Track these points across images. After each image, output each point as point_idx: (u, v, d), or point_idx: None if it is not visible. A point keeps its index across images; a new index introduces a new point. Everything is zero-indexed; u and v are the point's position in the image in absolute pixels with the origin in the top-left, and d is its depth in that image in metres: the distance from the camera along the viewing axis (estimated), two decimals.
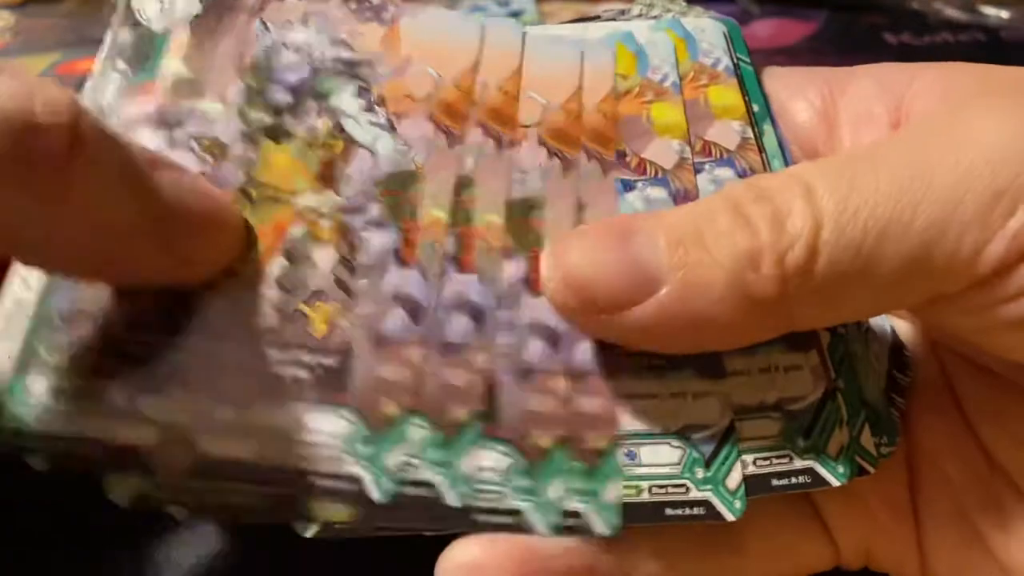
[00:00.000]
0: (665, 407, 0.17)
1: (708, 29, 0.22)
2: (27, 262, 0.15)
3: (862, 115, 0.20)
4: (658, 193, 0.19)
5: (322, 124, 0.19)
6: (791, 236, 0.14)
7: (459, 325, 0.17)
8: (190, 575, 0.23)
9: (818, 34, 0.59)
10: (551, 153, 0.19)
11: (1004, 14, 0.60)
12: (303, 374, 0.16)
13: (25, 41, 0.62)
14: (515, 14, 0.61)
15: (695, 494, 0.17)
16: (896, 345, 0.20)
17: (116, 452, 0.15)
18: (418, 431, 0.16)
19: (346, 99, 0.19)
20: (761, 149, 0.20)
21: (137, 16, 0.19)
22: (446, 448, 0.16)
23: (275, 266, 0.17)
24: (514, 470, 0.16)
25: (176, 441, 0.15)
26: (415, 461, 0.16)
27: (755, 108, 0.20)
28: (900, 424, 0.19)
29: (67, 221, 0.13)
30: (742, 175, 0.19)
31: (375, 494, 0.16)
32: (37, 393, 0.15)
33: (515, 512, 0.16)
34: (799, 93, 0.21)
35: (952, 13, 0.60)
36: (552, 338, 0.17)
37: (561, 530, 0.16)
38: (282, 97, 0.19)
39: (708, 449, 0.17)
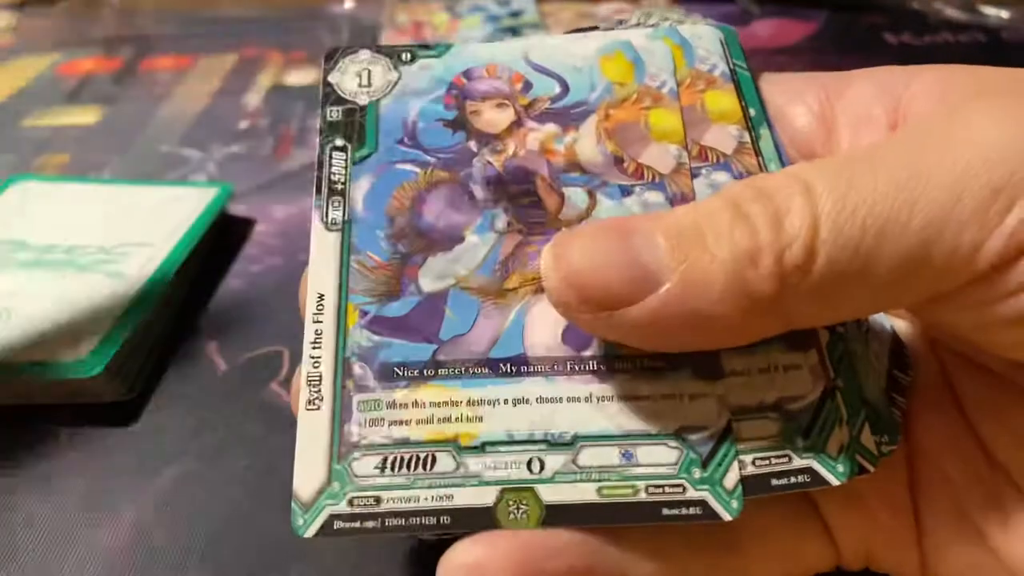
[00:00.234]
0: (662, 408, 0.18)
1: (705, 36, 0.22)
2: None
3: (861, 118, 0.20)
4: (655, 197, 0.20)
5: None
6: (789, 235, 0.15)
7: None
8: None
9: (818, 34, 0.59)
10: None
11: (1004, 14, 0.60)
12: None
13: (25, 41, 0.62)
14: (515, 14, 0.61)
15: (692, 494, 0.17)
16: (896, 344, 0.20)
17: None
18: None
19: None
20: (758, 153, 0.20)
21: (339, 93, 0.22)
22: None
23: None
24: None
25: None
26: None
27: (752, 112, 0.21)
28: (901, 423, 0.19)
29: None
30: (739, 179, 0.20)
31: None
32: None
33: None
34: (797, 98, 0.21)
35: (952, 13, 0.61)
36: None
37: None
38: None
39: (705, 449, 0.17)
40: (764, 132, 0.21)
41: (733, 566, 0.18)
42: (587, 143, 0.21)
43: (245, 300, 0.34)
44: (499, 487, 0.17)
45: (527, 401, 0.18)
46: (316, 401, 0.18)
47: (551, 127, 0.21)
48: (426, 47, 0.23)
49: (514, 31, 0.58)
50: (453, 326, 0.19)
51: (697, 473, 0.17)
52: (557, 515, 0.17)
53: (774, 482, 0.17)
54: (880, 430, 0.18)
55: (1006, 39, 0.56)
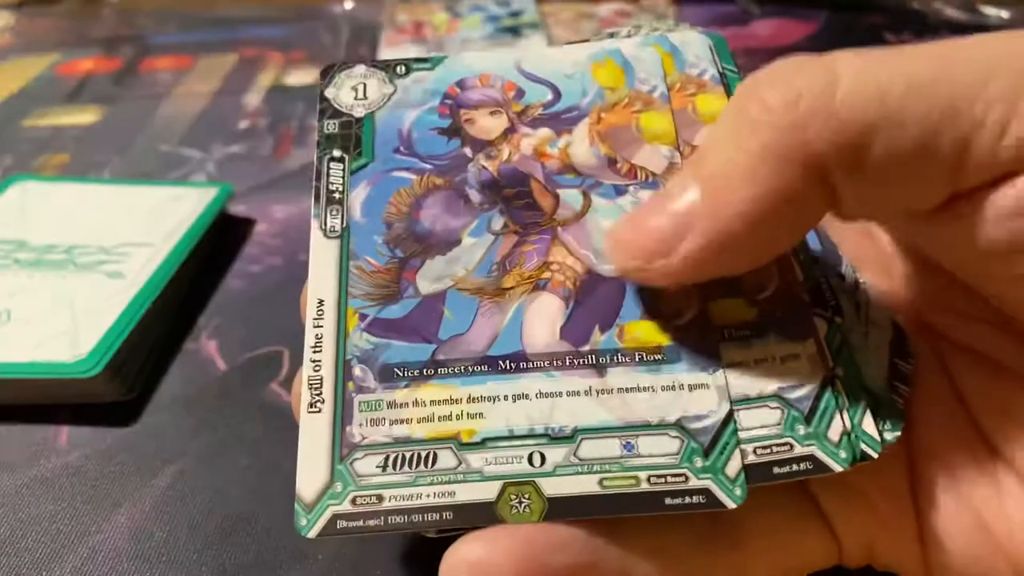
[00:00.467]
0: (662, 399, 0.18)
1: (694, 42, 0.23)
2: None
3: None
4: (649, 195, 0.20)
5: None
6: (803, 87, 0.15)
7: None
8: None
9: (818, 34, 0.59)
10: None
11: (1004, 14, 0.60)
12: None
13: (25, 41, 0.62)
14: (515, 14, 0.61)
15: (694, 483, 0.17)
16: (897, 333, 0.20)
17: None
18: None
19: None
20: None
21: (336, 106, 0.22)
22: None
23: None
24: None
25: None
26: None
27: None
28: (903, 410, 0.19)
29: None
30: None
31: None
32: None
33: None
34: None
35: (952, 13, 0.61)
36: None
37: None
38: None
39: (707, 439, 0.17)
40: None
41: (734, 562, 0.18)
42: (580, 146, 0.21)
43: (245, 300, 0.34)
44: (501, 482, 0.17)
45: (527, 396, 0.18)
46: (318, 404, 0.18)
47: (544, 132, 0.21)
48: (420, 60, 0.23)
49: (514, 31, 0.58)
50: (452, 326, 0.19)
51: (699, 462, 0.17)
52: (559, 508, 0.17)
53: (776, 470, 0.17)
54: (882, 417, 0.18)
55: None
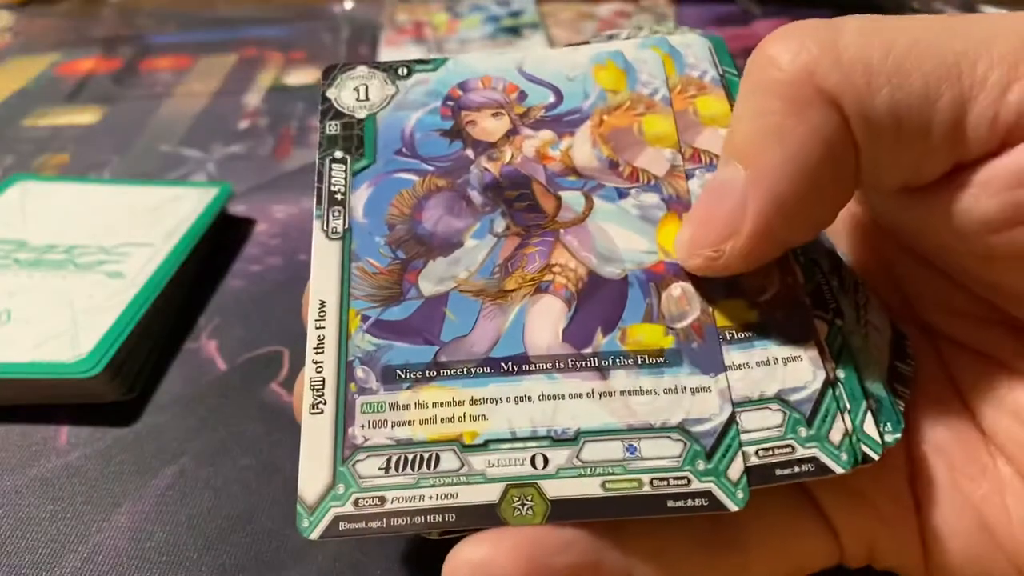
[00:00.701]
0: (665, 402, 0.18)
1: (694, 44, 0.23)
2: None
3: None
4: (651, 199, 0.20)
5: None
6: (807, 39, 0.16)
7: None
8: None
9: None
10: None
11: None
12: None
13: (25, 41, 0.62)
14: (515, 14, 0.61)
15: (697, 486, 0.17)
16: (896, 335, 0.20)
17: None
18: None
19: None
20: None
21: (338, 107, 0.22)
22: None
23: None
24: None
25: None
26: None
27: None
28: (904, 412, 0.19)
29: None
30: None
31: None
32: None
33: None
34: None
35: (952, 13, 0.61)
36: None
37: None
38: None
39: (709, 441, 0.17)
40: None
41: (735, 563, 0.18)
42: (582, 148, 0.21)
43: (245, 300, 0.34)
44: (503, 484, 0.17)
45: (529, 399, 0.18)
46: (320, 405, 0.18)
47: (546, 134, 0.21)
48: (422, 61, 0.23)
49: (514, 31, 0.58)
50: (454, 328, 0.19)
51: (701, 465, 0.17)
52: (562, 510, 0.17)
53: (778, 472, 0.17)
54: (883, 419, 0.18)
55: None
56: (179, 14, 0.67)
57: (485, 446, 0.17)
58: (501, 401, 0.18)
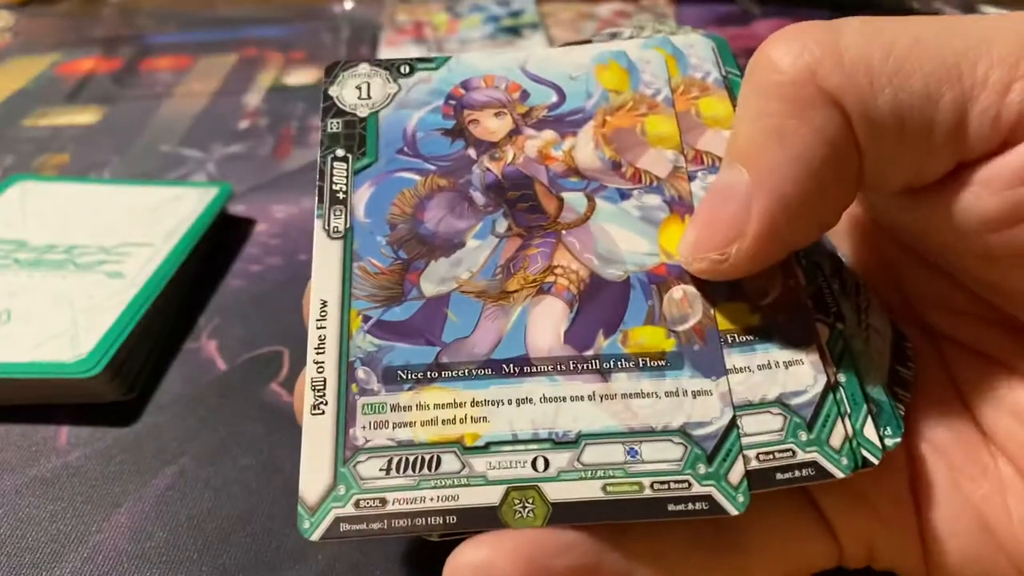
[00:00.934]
0: (666, 405, 0.18)
1: (697, 45, 0.23)
2: None
3: None
4: (653, 200, 0.20)
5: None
6: (808, 41, 0.16)
7: None
8: None
9: None
10: None
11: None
12: None
13: (25, 41, 0.62)
14: (515, 14, 0.61)
15: (697, 489, 0.17)
16: (897, 338, 0.20)
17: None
18: None
19: None
20: None
21: (339, 105, 0.22)
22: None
23: None
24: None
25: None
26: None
27: None
28: (904, 416, 0.19)
29: None
30: None
31: None
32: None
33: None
34: None
35: (952, 14, 0.61)
36: None
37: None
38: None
39: (710, 445, 0.17)
40: None
41: (736, 564, 0.18)
42: (585, 149, 0.21)
43: (245, 300, 0.34)
44: (504, 486, 0.17)
45: (531, 401, 0.18)
46: (320, 406, 0.18)
47: (549, 134, 0.21)
48: (424, 60, 0.23)
49: (514, 31, 0.58)
50: (455, 329, 0.19)
51: (702, 468, 0.17)
52: (563, 513, 0.17)
53: (779, 476, 0.17)
54: (883, 423, 0.18)
55: None
56: (179, 14, 0.67)
57: (486, 448, 0.17)
58: (502, 403, 0.18)
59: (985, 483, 0.18)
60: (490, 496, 0.17)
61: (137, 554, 0.23)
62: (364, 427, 0.18)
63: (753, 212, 0.17)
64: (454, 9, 0.63)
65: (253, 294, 0.34)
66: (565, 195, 0.20)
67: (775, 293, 0.19)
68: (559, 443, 0.17)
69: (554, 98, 0.22)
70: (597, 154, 0.21)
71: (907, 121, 0.16)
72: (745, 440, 0.17)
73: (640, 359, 0.18)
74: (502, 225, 0.20)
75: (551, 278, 0.19)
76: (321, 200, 0.20)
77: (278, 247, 0.37)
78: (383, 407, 0.18)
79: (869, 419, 0.18)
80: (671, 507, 0.17)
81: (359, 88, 0.22)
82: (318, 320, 0.19)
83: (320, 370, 0.18)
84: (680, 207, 0.20)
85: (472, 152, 0.21)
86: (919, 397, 0.19)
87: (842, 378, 0.18)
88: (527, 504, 0.17)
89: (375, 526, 0.17)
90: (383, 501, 0.17)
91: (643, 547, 0.17)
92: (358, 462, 0.17)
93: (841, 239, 0.22)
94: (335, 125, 0.22)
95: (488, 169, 0.21)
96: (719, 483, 0.17)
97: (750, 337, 0.18)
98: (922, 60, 0.15)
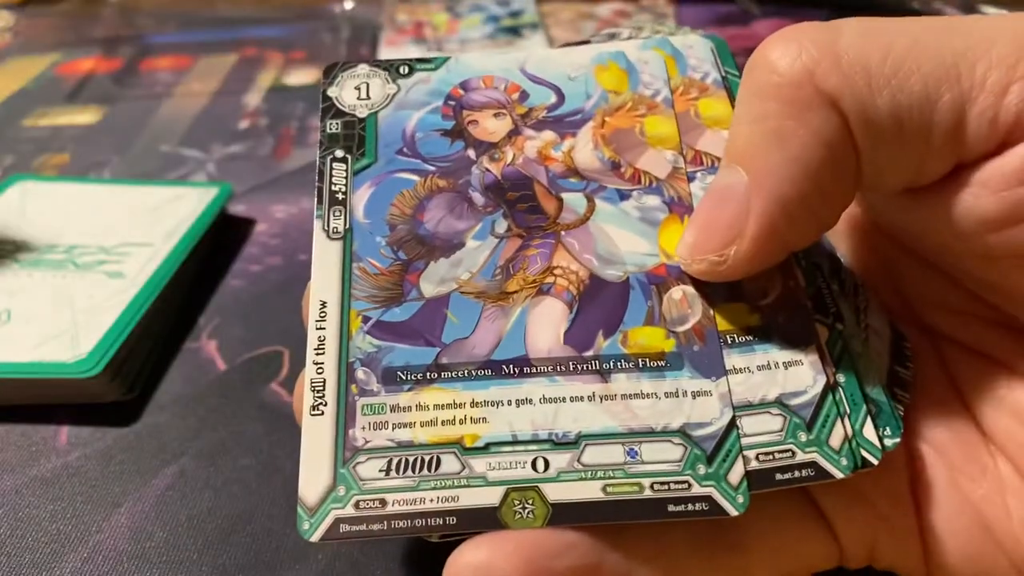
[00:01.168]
0: (665, 406, 0.18)
1: (696, 45, 0.23)
2: None
3: None
4: (652, 201, 0.20)
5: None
6: (805, 42, 0.16)
7: None
8: None
9: None
10: None
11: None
12: None
13: (25, 41, 0.62)
14: (515, 14, 0.61)
15: (697, 490, 0.17)
16: (896, 339, 0.20)
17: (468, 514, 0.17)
18: None
19: None
20: None
21: (339, 106, 0.22)
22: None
23: None
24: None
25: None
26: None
27: None
28: (903, 417, 0.19)
29: None
30: None
31: None
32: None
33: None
34: None
35: (952, 14, 0.61)
36: None
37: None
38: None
39: (710, 445, 0.17)
40: None
41: (736, 565, 0.18)
42: (584, 149, 0.21)
43: (245, 300, 0.34)
44: (504, 487, 0.17)
45: (530, 401, 0.18)
46: (320, 406, 0.18)
47: (548, 134, 0.21)
48: (423, 60, 0.23)
49: (514, 31, 0.58)
50: (455, 329, 0.19)
51: (702, 469, 0.17)
52: (563, 514, 0.17)
53: (778, 476, 0.17)
54: (883, 424, 0.18)
55: None
56: (179, 14, 0.67)
57: (486, 449, 0.17)
58: (502, 404, 0.18)
59: (985, 483, 0.18)
60: (490, 497, 0.17)
61: (137, 554, 0.23)
62: (364, 428, 0.18)
63: (751, 213, 0.17)
64: (454, 9, 0.63)
65: (253, 294, 0.34)
66: (564, 196, 0.20)
67: (774, 294, 0.19)
68: (559, 444, 0.17)
69: (553, 99, 0.22)
70: (596, 155, 0.21)
71: (905, 122, 0.16)
72: (745, 440, 0.17)
73: (640, 360, 0.18)
74: (501, 226, 0.20)
75: (551, 279, 0.19)
76: (320, 201, 0.20)
77: (278, 247, 0.37)
78: (383, 408, 0.18)
79: (868, 419, 0.18)
80: (671, 508, 0.17)
81: (358, 89, 0.22)
82: (318, 321, 0.19)
83: (320, 371, 0.18)
84: (679, 208, 0.20)
85: (471, 153, 0.21)
86: (919, 397, 0.19)
87: (841, 378, 0.18)
88: (527, 505, 0.17)
89: (375, 527, 0.17)
90: (383, 502, 0.17)
91: (643, 548, 0.17)
92: (358, 463, 0.17)
93: (840, 239, 0.22)
94: (334, 126, 0.22)
95: (487, 170, 0.21)
96: (719, 484, 0.17)
97: (749, 338, 0.18)
98: (920, 61, 0.15)
